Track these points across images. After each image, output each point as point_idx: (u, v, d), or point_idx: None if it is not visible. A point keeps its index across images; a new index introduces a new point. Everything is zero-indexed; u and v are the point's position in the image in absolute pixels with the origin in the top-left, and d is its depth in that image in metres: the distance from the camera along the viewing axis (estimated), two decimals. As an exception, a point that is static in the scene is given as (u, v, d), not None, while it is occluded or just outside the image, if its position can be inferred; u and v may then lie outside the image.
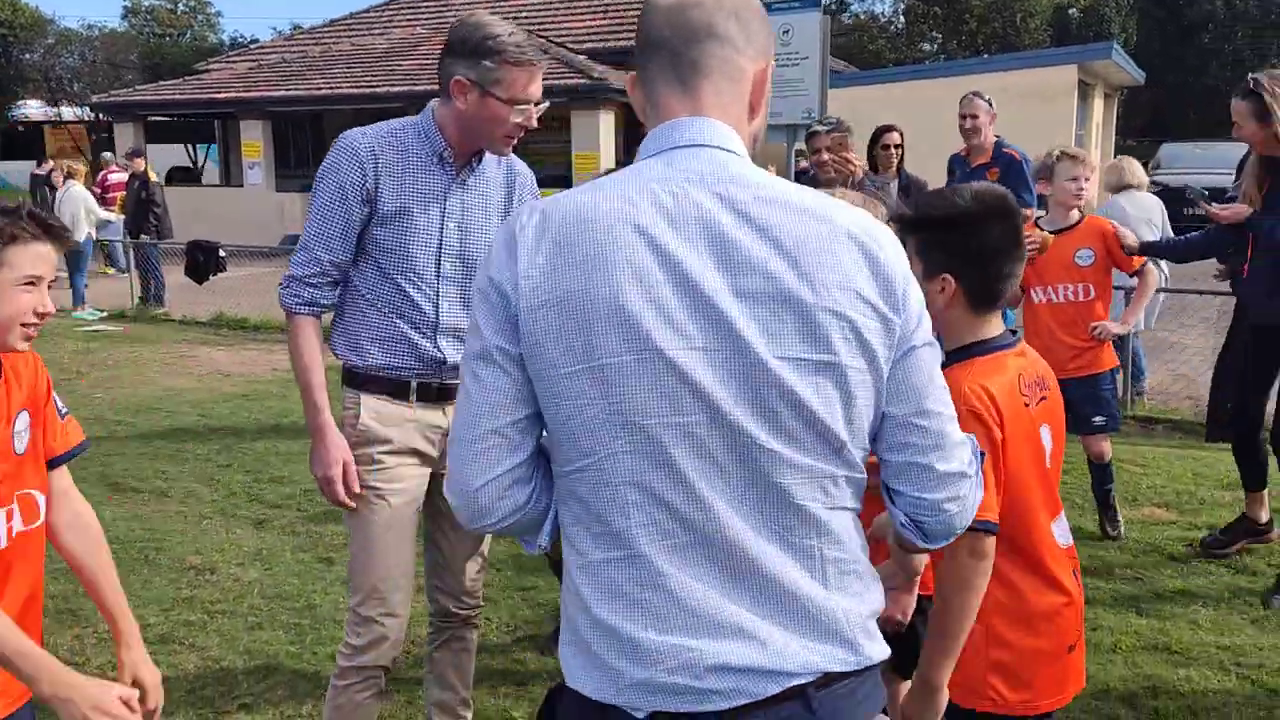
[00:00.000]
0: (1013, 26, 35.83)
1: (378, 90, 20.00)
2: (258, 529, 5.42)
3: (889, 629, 2.47)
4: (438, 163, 2.74)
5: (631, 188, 1.42)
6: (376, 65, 21.26)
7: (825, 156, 5.56)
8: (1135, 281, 5.03)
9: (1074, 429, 4.63)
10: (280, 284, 2.78)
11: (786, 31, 9.58)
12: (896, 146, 6.85)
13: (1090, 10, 37.38)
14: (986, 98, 6.56)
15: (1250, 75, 4.63)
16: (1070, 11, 38.85)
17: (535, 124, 2.71)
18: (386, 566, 2.76)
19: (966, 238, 2.12)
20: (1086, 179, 4.94)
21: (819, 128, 5.66)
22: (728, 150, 1.45)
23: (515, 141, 2.74)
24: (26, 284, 1.93)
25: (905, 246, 1.60)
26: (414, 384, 2.77)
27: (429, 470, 2.84)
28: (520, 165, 2.92)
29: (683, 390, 1.36)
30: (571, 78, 18.32)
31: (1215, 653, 3.86)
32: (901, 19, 40.75)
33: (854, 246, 1.41)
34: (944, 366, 1.67)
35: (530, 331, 1.40)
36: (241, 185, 22.38)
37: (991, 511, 1.96)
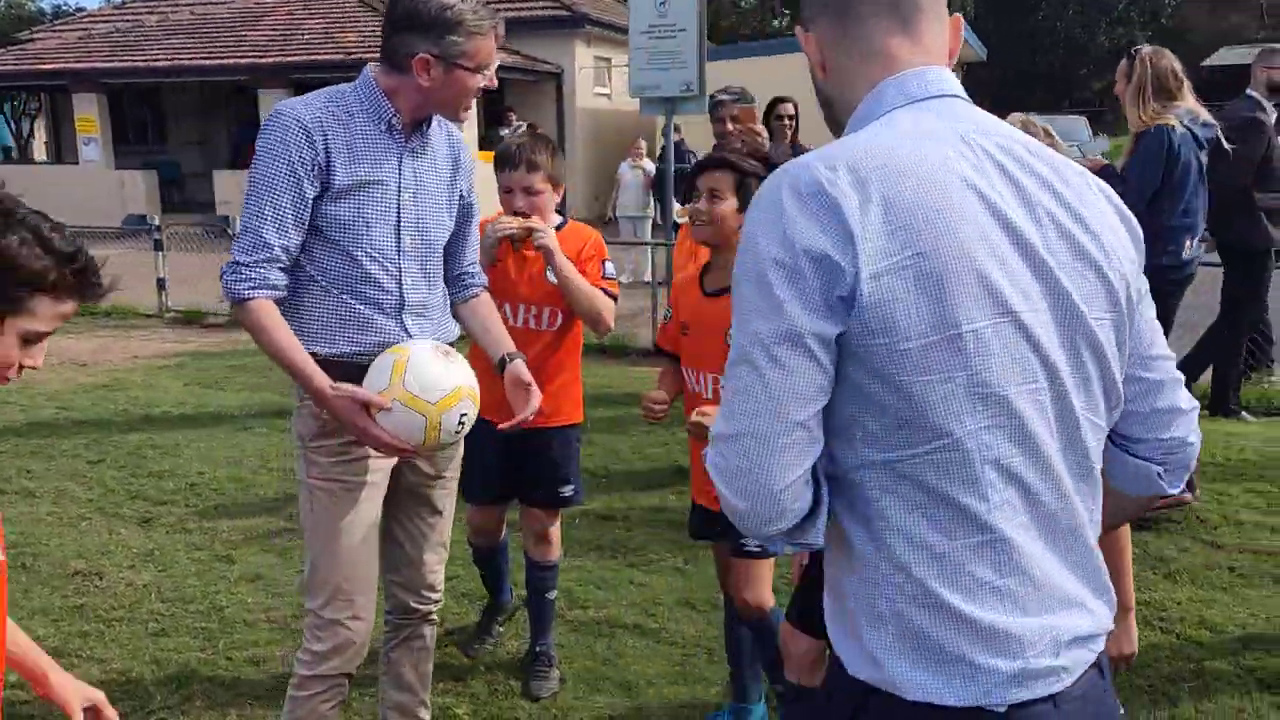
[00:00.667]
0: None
1: (224, 62, 19.05)
2: (144, 528, 5.06)
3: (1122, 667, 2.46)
4: (386, 131, 2.56)
5: (930, 138, 1.30)
6: (220, 36, 20.22)
7: (730, 127, 5.51)
8: None
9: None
10: (224, 272, 2.52)
11: (664, 3, 9.54)
12: (790, 118, 6.87)
13: (931, -14, 38.59)
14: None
15: (1139, 46, 4.95)
16: (912, -12, 40.05)
17: (496, 83, 2.57)
18: (353, 564, 2.57)
19: None
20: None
21: (724, 96, 5.60)
22: (969, 101, 1.38)
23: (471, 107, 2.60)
24: (34, 339, 1.62)
25: None
26: None
27: (396, 459, 2.66)
28: (456, 130, 2.77)
29: (1032, 356, 1.28)
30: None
31: (1137, 609, 4.00)
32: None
33: (1107, 202, 1.38)
34: None
35: (875, 303, 1.23)
36: (76, 163, 20.99)
37: None
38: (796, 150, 6.97)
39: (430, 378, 2.42)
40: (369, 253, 2.54)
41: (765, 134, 5.41)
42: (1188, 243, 5.02)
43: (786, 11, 39.82)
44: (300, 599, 4.11)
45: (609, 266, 3.55)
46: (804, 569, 2.67)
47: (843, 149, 1.31)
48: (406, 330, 2.58)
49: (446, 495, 2.83)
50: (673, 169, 10.06)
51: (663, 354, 3.30)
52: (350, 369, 2.52)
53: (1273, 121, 6.02)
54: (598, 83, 22.73)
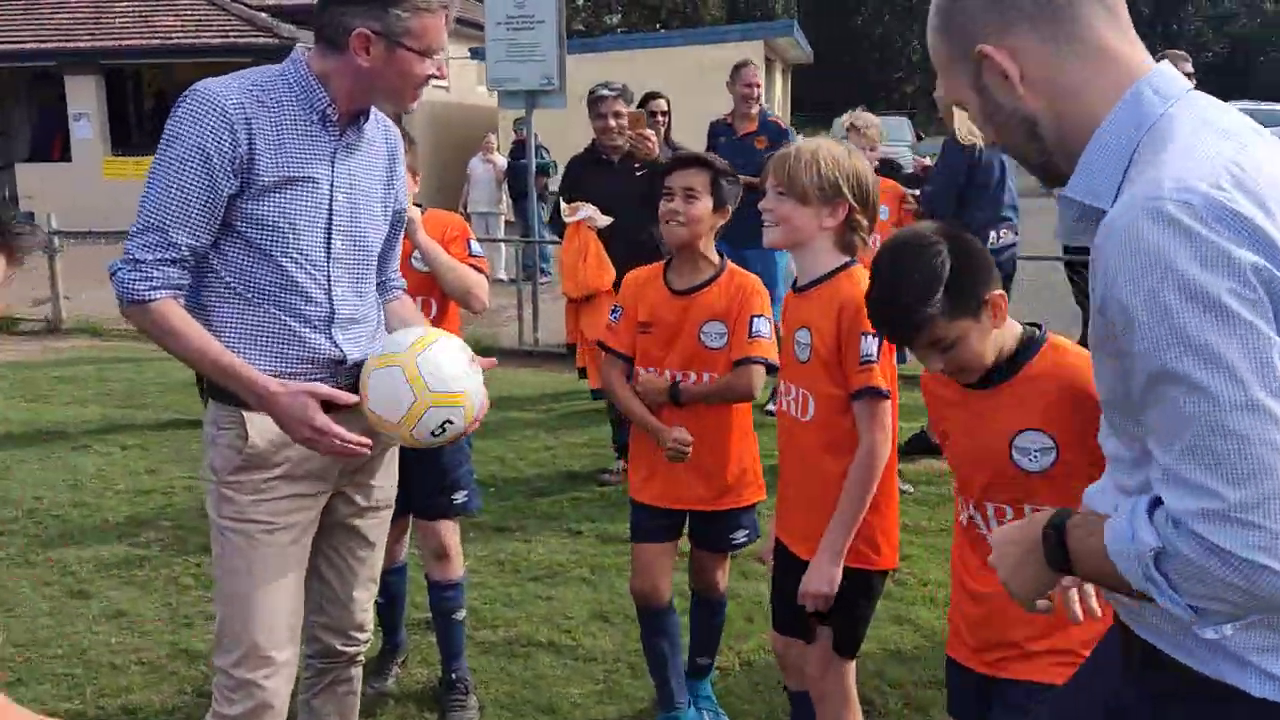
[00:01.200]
0: (692, 3, 37.22)
1: (26, 46, 17.58)
2: (-21, 563, 4.51)
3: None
4: (319, 122, 2.26)
5: (1252, 134, 1.25)
6: (22, 17, 18.64)
7: (612, 123, 5.34)
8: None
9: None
10: (117, 269, 2.17)
11: (521, -6, 9.27)
12: (664, 114, 6.75)
13: (758, -11, 39.60)
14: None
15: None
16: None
17: (446, 74, 2.31)
18: (272, 617, 2.26)
19: None
20: (872, 148, 5.43)
21: (605, 91, 5.41)
22: None
23: (419, 98, 2.33)
24: None
25: None
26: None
27: (328, 493, 2.37)
28: (393, 125, 2.50)
29: None
30: (257, 36, 16.94)
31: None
32: (586, -11, 41.25)
33: None
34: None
35: None
36: None
37: None
38: (673, 147, 6.86)
39: (446, 370, 2.20)
40: (295, 259, 2.24)
41: (654, 139, 5.26)
42: (993, 234, 5.42)
43: (621, 7, 39.96)
44: (186, 641, 3.75)
45: (475, 245, 3.45)
46: None
47: (1194, 164, 1.19)
48: (337, 345, 2.30)
49: (379, 526, 2.55)
50: (533, 164, 9.79)
51: (614, 355, 3.14)
52: None
53: None
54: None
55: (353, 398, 2.22)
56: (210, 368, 2.17)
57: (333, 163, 2.28)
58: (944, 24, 1.39)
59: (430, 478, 3.27)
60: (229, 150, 2.15)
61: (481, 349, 8.91)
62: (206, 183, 2.15)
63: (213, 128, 2.14)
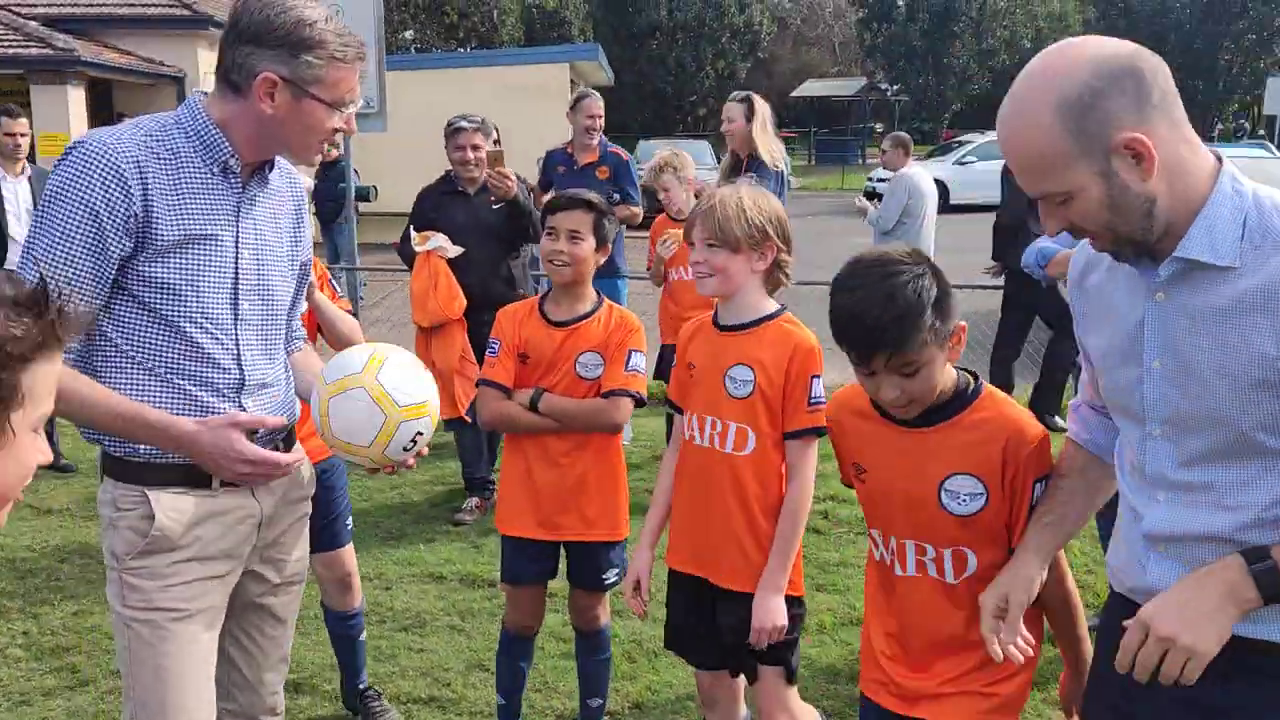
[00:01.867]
0: (490, 22, 37.02)
1: None
2: None
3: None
4: (221, 174, 2.11)
5: None
6: None
7: (470, 155, 5.27)
8: None
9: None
10: None
11: (339, 12, 8.95)
12: (495, 142, 6.68)
13: (554, 13, 39.77)
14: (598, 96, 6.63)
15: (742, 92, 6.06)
16: (534, 11, 41.05)
17: (355, 128, 2.20)
18: (187, 709, 2.08)
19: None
20: (679, 180, 5.67)
21: (463, 124, 5.32)
22: None
23: (322, 151, 2.21)
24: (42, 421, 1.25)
25: None
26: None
27: (240, 571, 2.20)
28: (299, 175, 2.36)
29: None
30: (29, 47, 15.68)
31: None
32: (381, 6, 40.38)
33: None
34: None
35: None
36: None
37: None
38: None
39: (407, 380, 2.13)
40: (200, 324, 2.07)
41: (513, 178, 5.20)
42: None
43: (417, 24, 39.30)
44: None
45: (333, 282, 3.50)
46: None
47: None
48: (246, 412, 2.15)
49: (292, 602, 2.39)
50: (353, 190, 9.48)
51: (495, 388, 3.12)
52: (175, 470, 2.08)
53: None
54: (225, 91, 21.11)
55: (277, 420, 2.14)
56: (113, 420, 2.00)
57: (237, 218, 2.13)
58: (1077, 121, 1.50)
59: (321, 508, 3.12)
60: (122, 209, 1.98)
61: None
62: (96, 244, 1.98)
63: (103, 184, 1.97)
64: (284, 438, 2.26)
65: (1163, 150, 1.51)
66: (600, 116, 6.39)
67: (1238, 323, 1.54)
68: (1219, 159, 1.59)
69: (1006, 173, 6.34)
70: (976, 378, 2.16)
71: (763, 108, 5.86)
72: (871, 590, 2.29)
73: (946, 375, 2.08)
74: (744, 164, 5.70)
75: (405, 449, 2.16)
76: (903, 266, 1.99)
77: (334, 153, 12.72)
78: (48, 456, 1.25)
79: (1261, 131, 24.90)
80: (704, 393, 2.60)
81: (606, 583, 3.16)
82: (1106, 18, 43.39)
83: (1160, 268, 1.59)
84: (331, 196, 12.70)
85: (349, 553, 3.46)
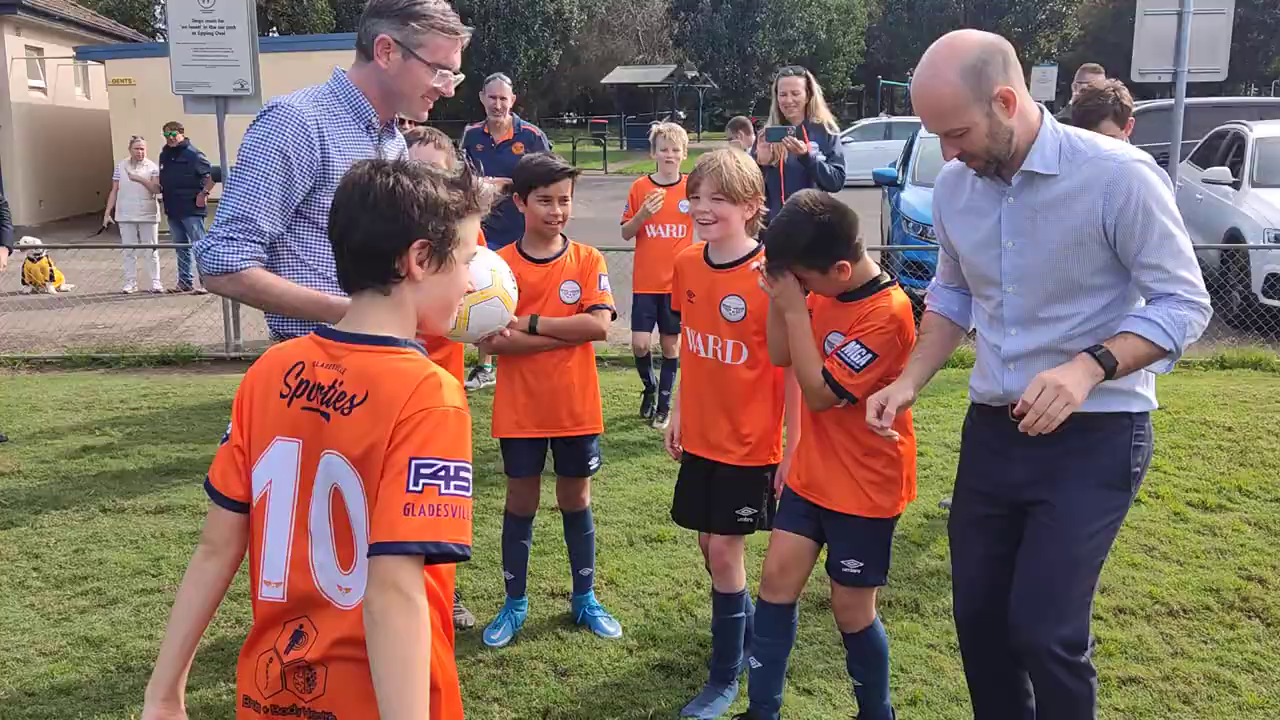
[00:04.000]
0: (299, 4, 36.27)
1: None
2: None
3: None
4: (366, 130, 2.76)
5: None
6: None
7: None
8: None
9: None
10: (208, 246, 2.57)
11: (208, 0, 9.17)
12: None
13: (364, -3, 39.24)
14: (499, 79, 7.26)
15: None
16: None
17: (452, 92, 2.85)
18: None
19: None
20: (676, 149, 6.56)
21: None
22: None
23: (429, 106, 2.86)
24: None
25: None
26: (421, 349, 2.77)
27: None
28: (400, 134, 3.01)
29: None
30: None
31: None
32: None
33: None
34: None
35: None
36: None
37: None
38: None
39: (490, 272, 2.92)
40: None
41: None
42: None
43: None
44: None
45: None
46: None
47: (1118, 143, 2.41)
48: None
49: None
50: (226, 171, 9.65)
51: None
52: None
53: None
54: (31, 76, 20.16)
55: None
56: (304, 303, 2.62)
57: None
58: (972, 77, 2.34)
59: None
60: (307, 156, 2.62)
61: (183, 358, 8.76)
62: (284, 179, 2.61)
63: (293, 136, 2.61)
64: None
65: (1018, 100, 2.38)
66: (502, 97, 7.03)
67: (1060, 209, 2.44)
68: (1042, 109, 2.48)
69: None
70: (892, 277, 3.05)
71: (814, 82, 6.62)
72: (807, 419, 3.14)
73: (865, 270, 2.97)
74: (803, 132, 6.34)
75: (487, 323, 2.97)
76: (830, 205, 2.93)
77: (179, 137, 12.76)
78: (471, 285, 1.90)
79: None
80: (703, 317, 3.35)
81: (591, 468, 3.89)
82: (891, 11, 46.46)
83: (1012, 179, 2.49)
84: (179, 184, 12.69)
85: None
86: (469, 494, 1.66)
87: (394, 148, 2.91)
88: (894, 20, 45.37)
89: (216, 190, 12.34)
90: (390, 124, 2.86)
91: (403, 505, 1.61)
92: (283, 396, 1.78)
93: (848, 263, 2.88)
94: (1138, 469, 2.58)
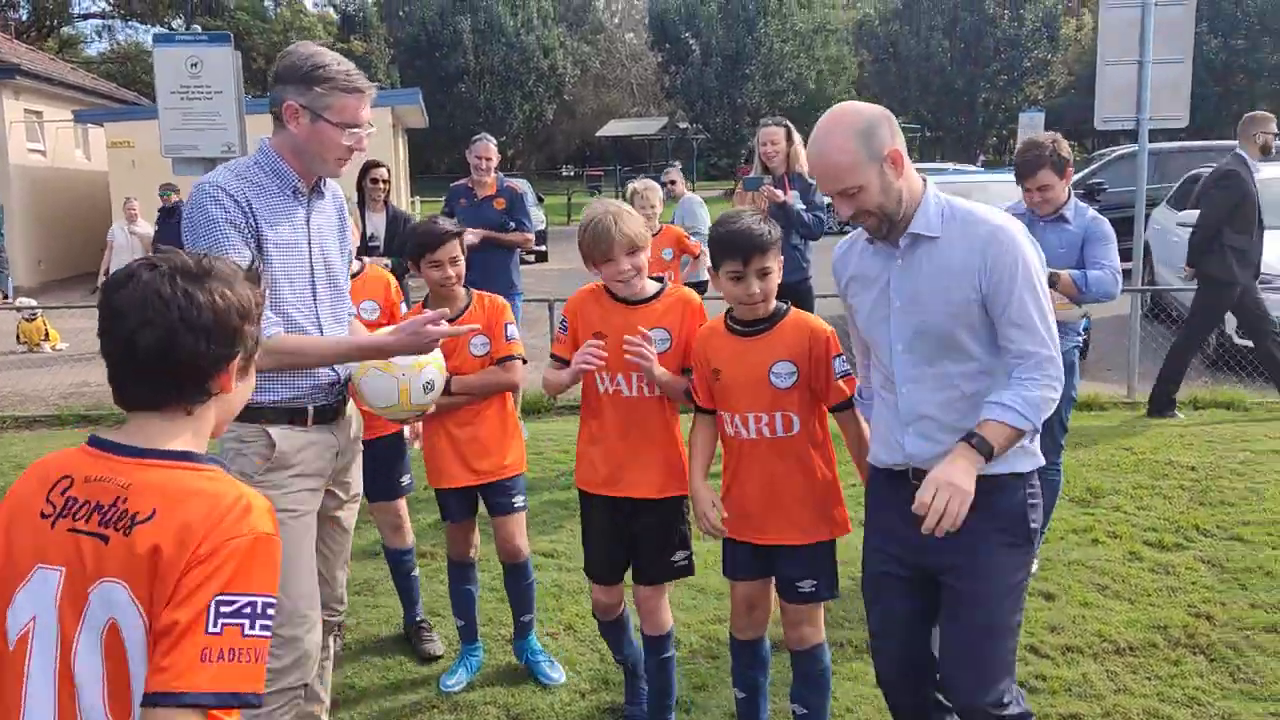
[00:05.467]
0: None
1: None
2: None
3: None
4: (292, 195, 2.88)
5: None
6: None
7: None
8: None
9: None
10: None
11: (195, 65, 9.45)
12: (385, 182, 7.41)
13: (362, 57, 39.97)
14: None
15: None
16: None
17: (365, 148, 2.94)
18: (304, 584, 2.83)
19: None
20: (653, 205, 6.91)
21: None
22: None
23: (345, 164, 2.93)
24: None
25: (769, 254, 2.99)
26: (311, 409, 2.88)
27: (323, 488, 2.96)
28: (335, 184, 3.11)
29: None
30: None
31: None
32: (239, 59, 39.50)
33: None
34: (786, 317, 3.09)
35: None
36: None
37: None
38: (389, 211, 7.50)
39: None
40: (296, 306, 2.84)
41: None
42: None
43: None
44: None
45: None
46: None
47: (992, 210, 2.62)
48: (334, 370, 2.93)
49: (352, 516, 3.17)
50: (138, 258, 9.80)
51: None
52: (283, 413, 2.84)
53: (1252, 177, 7.66)
54: (30, 139, 20.51)
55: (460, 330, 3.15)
56: (343, 354, 2.85)
57: (308, 226, 2.91)
58: (864, 141, 2.51)
59: (383, 466, 4.15)
60: (241, 223, 2.74)
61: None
62: (241, 244, 2.72)
63: (227, 208, 2.73)
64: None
65: (905, 163, 2.55)
66: (488, 158, 7.23)
67: (943, 269, 2.58)
68: (924, 179, 2.63)
69: (1203, 191, 7.74)
70: (787, 302, 3.20)
71: (795, 132, 6.75)
72: (727, 460, 3.21)
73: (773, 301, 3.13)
74: (784, 181, 6.50)
75: (426, 392, 3.05)
76: (762, 219, 3.10)
77: (174, 198, 13.00)
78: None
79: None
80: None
81: (517, 506, 3.96)
82: (879, 61, 47.11)
83: (900, 242, 2.63)
84: (175, 243, 12.81)
85: (401, 503, 4.35)
86: (270, 634, 1.52)
87: (329, 205, 3.03)
88: (881, 70, 46.06)
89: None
90: (318, 184, 2.97)
91: (200, 650, 1.44)
92: (45, 517, 1.57)
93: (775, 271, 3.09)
94: (1035, 524, 2.68)
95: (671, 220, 8.42)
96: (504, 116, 38.74)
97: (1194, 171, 12.25)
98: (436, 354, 3.11)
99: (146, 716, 1.43)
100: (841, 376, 3.09)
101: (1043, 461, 2.73)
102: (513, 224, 7.17)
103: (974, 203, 2.66)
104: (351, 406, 3.11)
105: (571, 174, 50.59)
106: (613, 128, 46.82)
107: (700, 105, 39.21)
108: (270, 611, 1.51)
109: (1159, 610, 4.46)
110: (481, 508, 4.03)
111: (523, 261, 7.86)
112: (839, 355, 3.10)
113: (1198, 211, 9.92)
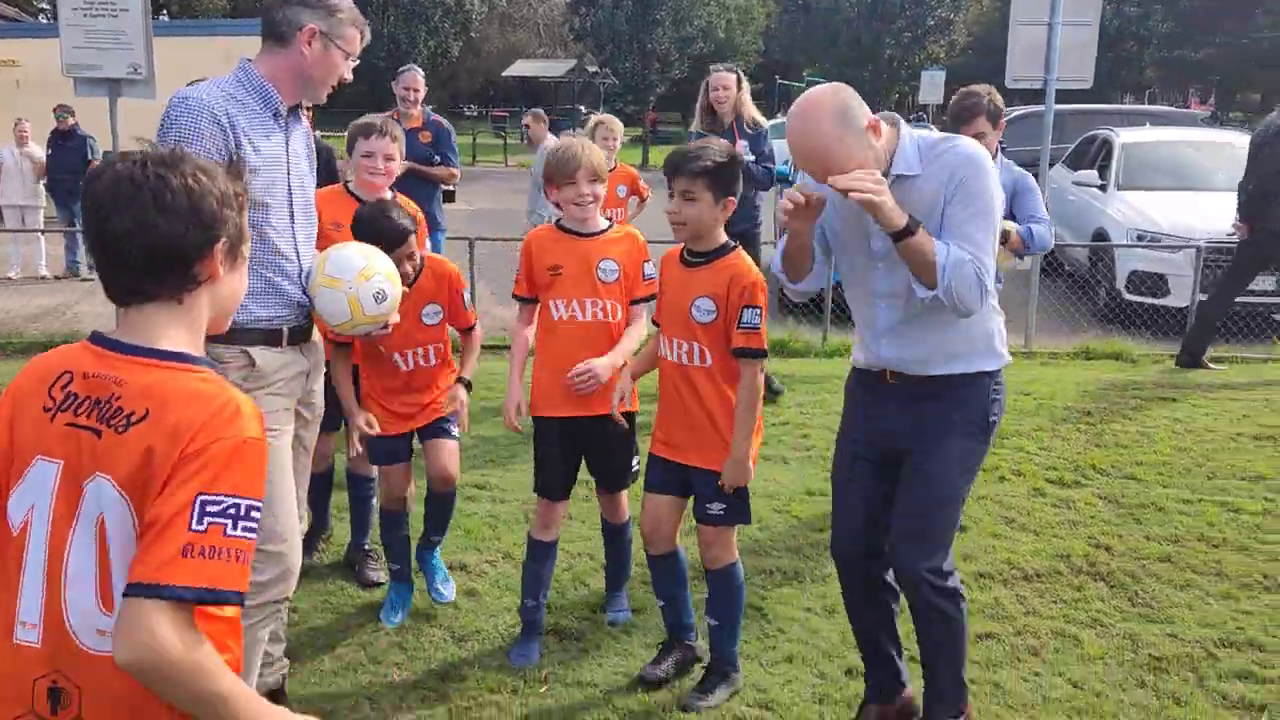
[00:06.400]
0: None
1: None
2: None
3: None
4: (274, 118, 2.87)
5: None
6: None
7: None
8: None
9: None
10: None
11: (102, -22, 9.00)
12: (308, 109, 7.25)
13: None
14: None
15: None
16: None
17: (351, 77, 2.99)
18: (286, 501, 2.85)
19: (735, 176, 3.24)
20: (616, 137, 6.78)
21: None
22: None
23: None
24: None
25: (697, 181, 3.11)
26: (285, 330, 2.89)
27: (293, 408, 2.97)
28: (305, 120, 3.13)
29: None
30: None
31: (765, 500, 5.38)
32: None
33: None
34: (722, 257, 3.24)
35: None
36: None
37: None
38: (317, 144, 7.32)
39: (344, 260, 2.96)
40: (274, 227, 2.85)
41: None
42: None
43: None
44: None
45: None
46: None
47: (960, 137, 2.86)
48: (306, 294, 2.94)
49: (314, 435, 3.21)
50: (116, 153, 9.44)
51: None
52: (259, 334, 2.85)
53: None
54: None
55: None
56: None
57: (286, 149, 2.91)
58: (845, 122, 2.68)
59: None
60: (221, 143, 2.72)
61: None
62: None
63: (209, 130, 2.71)
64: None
65: (880, 125, 2.77)
66: (415, 89, 7.13)
67: (923, 199, 2.77)
68: (898, 121, 2.85)
69: (1256, 149, 7.84)
70: (734, 242, 3.36)
71: (744, 79, 6.69)
72: (663, 375, 3.43)
73: (720, 237, 3.29)
74: (734, 131, 6.45)
75: (376, 301, 3.02)
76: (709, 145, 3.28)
77: (69, 121, 12.44)
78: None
79: (922, 115, 28.91)
80: (581, 286, 3.58)
81: (452, 431, 4.02)
82: (788, 12, 47.28)
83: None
84: (68, 169, 12.34)
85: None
86: (255, 537, 1.53)
87: (300, 132, 3.03)
88: (790, 22, 46.24)
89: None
90: (295, 110, 2.97)
91: (182, 545, 1.45)
92: (46, 410, 1.59)
93: (732, 202, 3.25)
94: (994, 418, 2.98)
95: (533, 169, 8.31)
96: (408, 51, 37.71)
97: (1091, 133, 12.79)
98: (386, 263, 3.09)
99: (126, 607, 1.46)
100: (747, 328, 3.22)
101: (1009, 360, 3.01)
102: (438, 158, 7.10)
103: (947, 134, 2.89)
104: (317, 332, 3.13)
105: (475, 114, 49.72)
106: (519, 68, 46.15)
107: (609, 49, 38.75)
108: (255, 515, 1.52)
109: (1062, 541, 4.76)
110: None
111: (446, 198, 7.81)
112: (754, 307, 3.23)
113: (1090, 171, 10.38)
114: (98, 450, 1.53)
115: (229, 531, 1.48)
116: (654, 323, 3.54)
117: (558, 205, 3.62)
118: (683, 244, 3.37)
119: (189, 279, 1.62)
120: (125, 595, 1.46)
